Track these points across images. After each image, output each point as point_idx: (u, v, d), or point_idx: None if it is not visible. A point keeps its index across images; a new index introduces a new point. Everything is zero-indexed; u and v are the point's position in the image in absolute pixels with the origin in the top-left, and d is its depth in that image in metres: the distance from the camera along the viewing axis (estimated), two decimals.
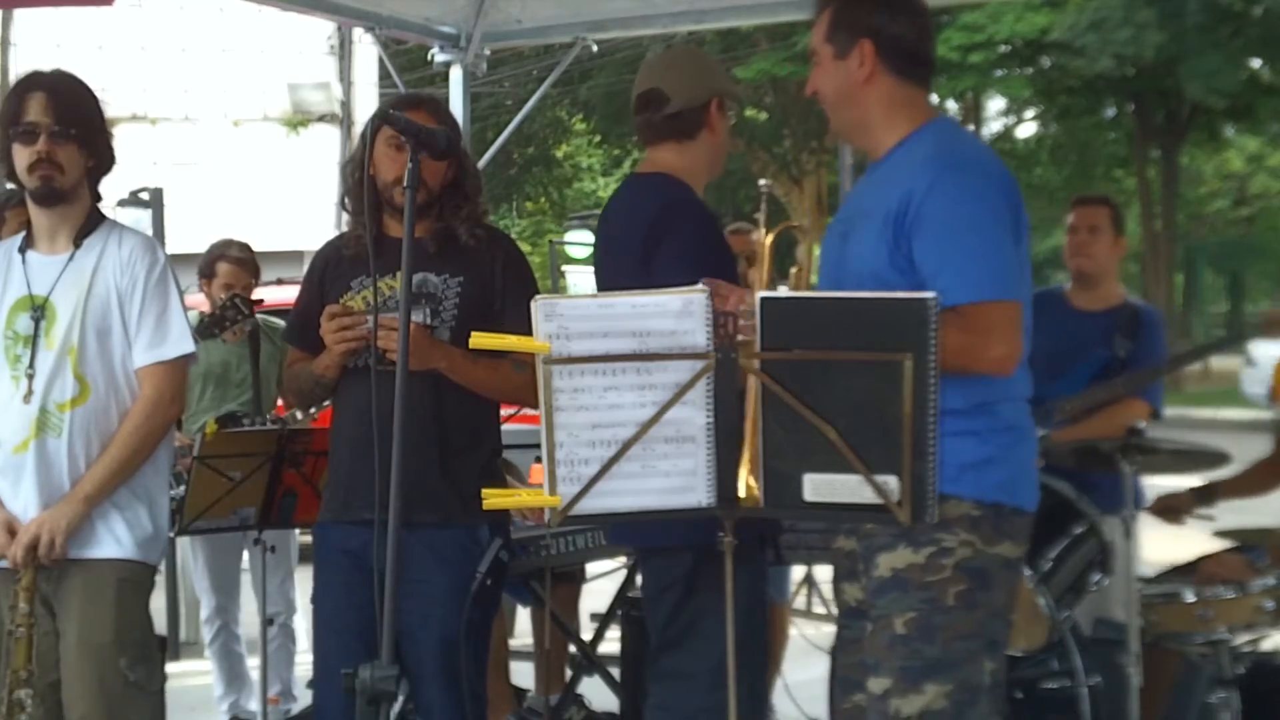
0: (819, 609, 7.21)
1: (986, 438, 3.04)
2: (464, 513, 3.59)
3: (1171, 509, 4.64)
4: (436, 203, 3.73)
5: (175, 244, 8.70)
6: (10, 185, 3.87)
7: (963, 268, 2.95)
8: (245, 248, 6.13)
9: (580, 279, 18.22)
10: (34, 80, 3.64)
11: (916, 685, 2.97)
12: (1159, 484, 4.83)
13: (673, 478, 2.73)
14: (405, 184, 3.07)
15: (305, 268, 4.15)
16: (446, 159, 3.47)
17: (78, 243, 3.64)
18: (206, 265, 6.09)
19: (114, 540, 3.59)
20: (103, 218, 3.71)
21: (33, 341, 3.58)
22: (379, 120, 3.56)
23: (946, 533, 2.97)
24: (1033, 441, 3.19)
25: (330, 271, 3.86)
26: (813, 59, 3.23)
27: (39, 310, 3.59)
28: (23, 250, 3.67)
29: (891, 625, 3.01)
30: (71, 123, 3.58)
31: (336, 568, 3.72)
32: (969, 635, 3.00)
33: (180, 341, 3.65)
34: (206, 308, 6.19)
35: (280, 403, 5.94)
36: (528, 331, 2.72)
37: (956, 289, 2.90)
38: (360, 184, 3.66)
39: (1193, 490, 4.64)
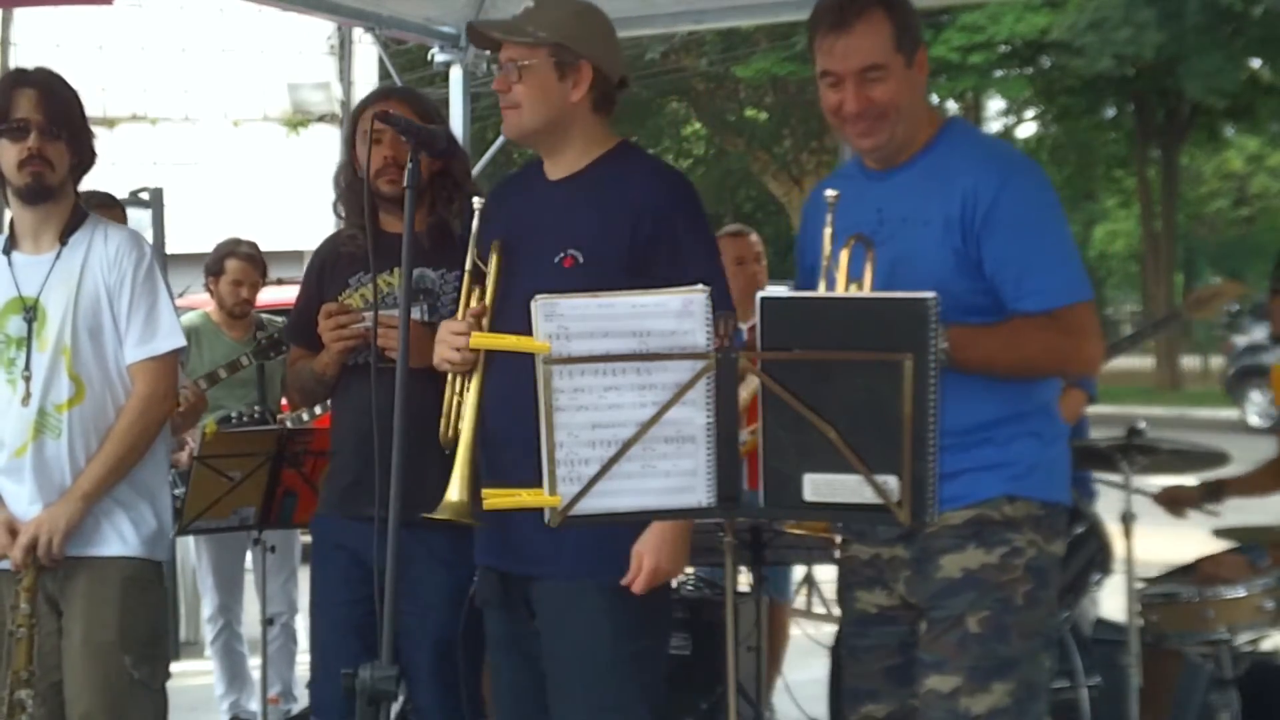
0: (819, 609, 7.20)
1: (1048, 439, 3.08)
2: None
3: (1177, 501, 4.65)
4: (427, 191, 3.71)
5: (175, 244, 8.73)
6: None
7: (1053, 270, 2.98)
8: (254, 246, 6.16)
9: None
10: (22, 77, 3.63)
11: (985, 684, 2.98)
12: (1158, 484, 4.83)
13: (673, 478, 2.73)
14: (405, 184, 3.07)
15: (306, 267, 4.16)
16: (447, 158, 3.47)
17: (63, 240, 3.62)
18: (215, 262, 6.11)
19: (119, 539, 3.60)
20: (85, 214, 3.69)
21: (26, 343, 3.57)
22: (359, 116, 3.59)
23: (1016, 533, 3.01)
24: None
25: (328, 269, 3.87)
26: (871, 73, 3.00)
27: (30, 311, 3.58)
28: (6, 252, 3.65)
29: (964, 624, 3.00)
30: (60, 121, 3.57)
31: (333, 563, 3.72)
32: (1032, 633, 3.03)
33: (170, 336, 3.65)
34: (211, 306, 6.22)
35: (285, 401, 5.95)
36: None
37: (1048, 292, 2.94)
38: (349, 188, 3.74)
39: (1201, 485, 4.65)
